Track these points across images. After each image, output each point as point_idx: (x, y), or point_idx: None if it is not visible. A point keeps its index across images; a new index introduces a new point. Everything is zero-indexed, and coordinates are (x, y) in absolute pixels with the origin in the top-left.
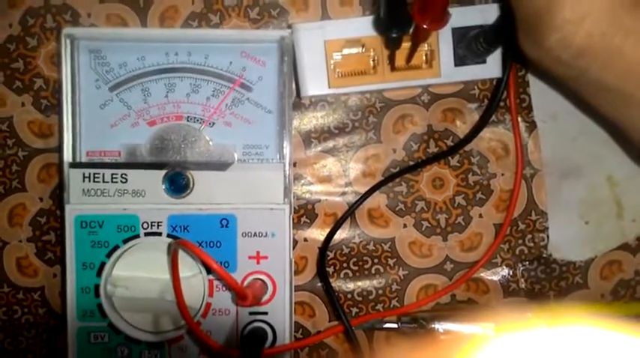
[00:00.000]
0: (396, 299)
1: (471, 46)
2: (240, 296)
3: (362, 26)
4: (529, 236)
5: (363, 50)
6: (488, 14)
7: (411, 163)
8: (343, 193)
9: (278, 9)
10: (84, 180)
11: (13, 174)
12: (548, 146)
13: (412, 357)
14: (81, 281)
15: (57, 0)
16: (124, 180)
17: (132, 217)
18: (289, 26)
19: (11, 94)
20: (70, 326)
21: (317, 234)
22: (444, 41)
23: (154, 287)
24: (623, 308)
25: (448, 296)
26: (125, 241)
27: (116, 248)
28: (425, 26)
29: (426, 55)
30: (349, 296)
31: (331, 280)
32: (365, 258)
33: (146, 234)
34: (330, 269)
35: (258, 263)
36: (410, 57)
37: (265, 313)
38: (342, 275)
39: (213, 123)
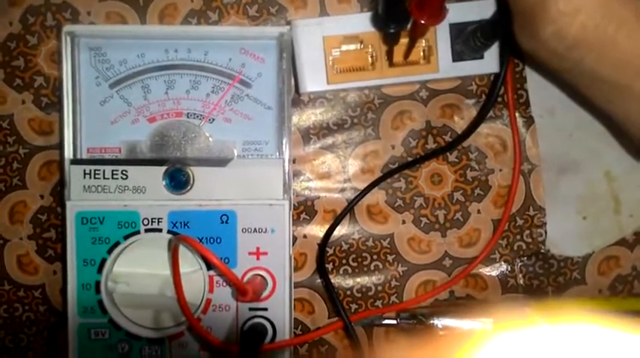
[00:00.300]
0: (395, 295)
1: (468, 41)
2: (240, 291)
3: (360, 22)
4: (527, 231)
5: (362, 46)
6: (485, 9)
7: (410, 159)
8: (342, 189)
9: (276, 6)
10: (84, 177)
11: (14, 172)
12: (545, 141)
13: (411, 353)
14: (82, 278)
15: None
16: (124, 177)
17: (132, 213)
18: (288, 23)
19: (12, 92)
20: (70, 322)
21: (316, 230)
22: (441, 37)
23: (155, 283)
24: (620, 304)
25: (447, 292)
26: (126, 237)
27: (117, 244)
28: (422, 21)
29: (423, 51)
30: (348, 292)
31: (330, 276)
32: (364, 255)
33: (146, 230)
34: (330, 266)
35: (258, 259)
36: (408, 53)
37: (265, 309)
38: (341, 272)
39: (213, 120)
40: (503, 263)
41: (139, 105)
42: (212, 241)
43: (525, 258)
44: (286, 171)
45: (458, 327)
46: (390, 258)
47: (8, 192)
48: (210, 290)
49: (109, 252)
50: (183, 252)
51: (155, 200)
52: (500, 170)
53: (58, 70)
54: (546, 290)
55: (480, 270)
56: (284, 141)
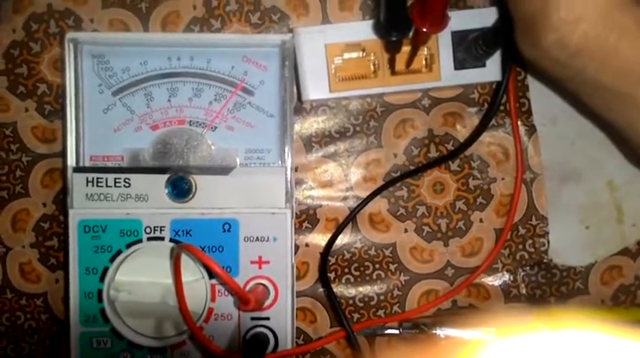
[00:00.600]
0: (398, 304)
1: (470, 49)
2: (242, 300)
3: (362, 30)
4: (529, 241)
5: (364, 54)
6: (487, 17)
7: (412, 168)
8: (344, 198)
9: (279, 14)
10: (87, 185)
11: (17, 180)
12: (547, 150)
13: None
14: (84, 286)
15: (60, 5)
16: (127, 185)
17: (135, 222)
18: (290, 30)
19: (15, 99)
20: (72, 331)
21: (318, 239)
22: (443, 45)
23: (157, 291)
24: (623, 314)
25: (449, 301)
26: (128, 246)
27: (119, 252)
28: (424, 29)
29: (425, 59)
30: (351, 301)
31: (333, 285)
32: (366, 264)
33: (149, 239)
34: (332, 275)
35: (260, 268)
36: (410, 61)
37: (267, 318)
38: (343, 281)
39: (216, 128)
40: (505, 272)
41: (142, 112)
42: (214, 250)
43: (528, 267)
44: (288, 180)
45: (461, 337)
46: (392, 267)
47: (11, 200)
48: (213, 299)
49: (112, 260)
50: (185, 260)
51: (157, 208)
52: (503, 179)
53: (61, 77)
54: (549, 299)
55: (483, 280)
56: (286, 149)
